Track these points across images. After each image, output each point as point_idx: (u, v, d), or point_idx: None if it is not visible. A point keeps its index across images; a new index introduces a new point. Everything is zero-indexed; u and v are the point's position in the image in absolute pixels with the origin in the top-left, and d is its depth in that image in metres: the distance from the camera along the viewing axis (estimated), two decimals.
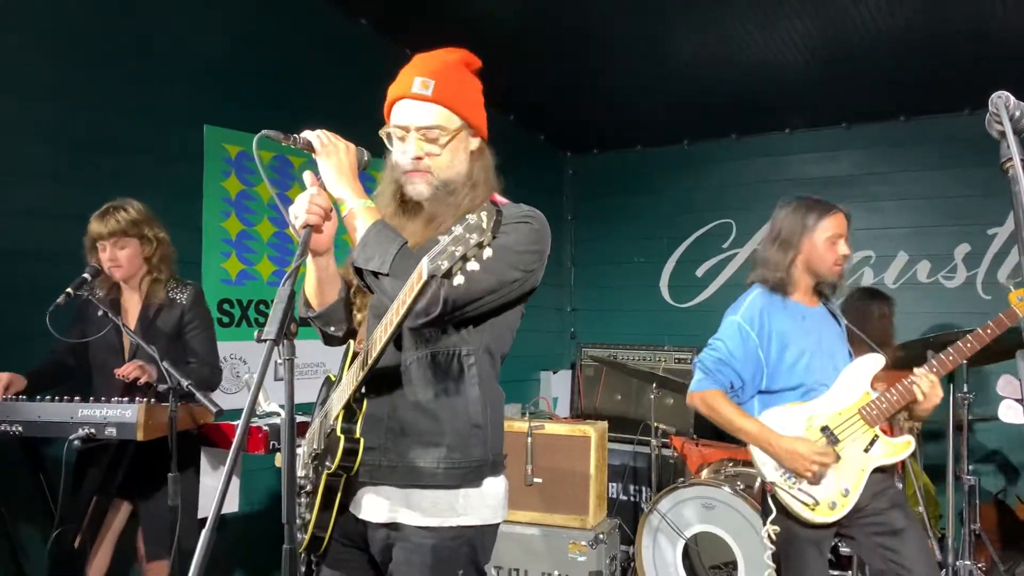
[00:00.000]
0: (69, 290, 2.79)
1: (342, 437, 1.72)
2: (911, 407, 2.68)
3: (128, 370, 2.84)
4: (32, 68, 3.34)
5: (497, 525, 1.84)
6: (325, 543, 1.83)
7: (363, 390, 1.75)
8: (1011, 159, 1.03)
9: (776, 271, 2.76)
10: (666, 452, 4.66)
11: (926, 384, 2.62)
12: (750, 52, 4.60)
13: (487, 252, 1.34)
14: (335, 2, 4.55)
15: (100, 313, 2.87)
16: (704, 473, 4.28)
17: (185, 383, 2.65)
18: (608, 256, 6.43)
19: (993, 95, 1.08)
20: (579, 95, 5.56)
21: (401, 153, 1.80)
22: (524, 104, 5.87)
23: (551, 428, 4.19)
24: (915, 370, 2.67)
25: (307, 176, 1.75)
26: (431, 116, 1.76)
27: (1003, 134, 1.06)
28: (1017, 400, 3.46)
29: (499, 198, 1.87)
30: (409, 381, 1.76)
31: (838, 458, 2.61)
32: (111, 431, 2.68)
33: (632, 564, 4.17)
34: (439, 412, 1.74)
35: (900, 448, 2.67)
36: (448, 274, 1.34)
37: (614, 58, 4.92)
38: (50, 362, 3.09)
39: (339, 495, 1.79)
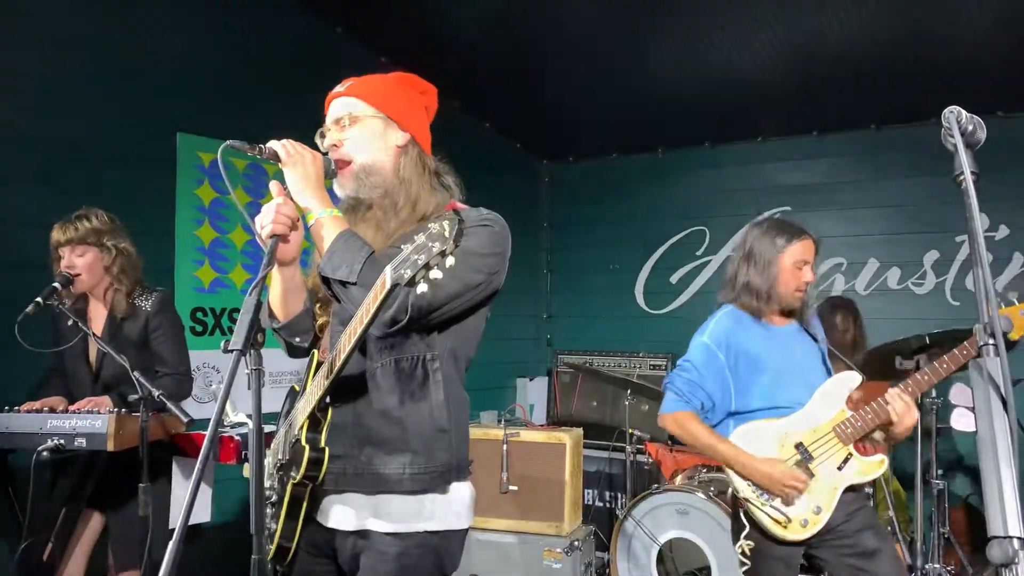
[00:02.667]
0: (39, 299, 2.76)
1: (307, 447, 1.72)
2: (887, 429, 2.65)
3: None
4: (1, 73, 3.31)
5: (464, 532, 1.84)
6: (292, 553, 1.82)
7: (328, 399, 1.75)
8: (963, 173, 1.06)
9: (757, 299, 2.73)
10: (641, 458, 4.68)
11: (900, 406, 2.58)
12: (723, 62, 4.65)
13: (450, 260, 1.36)
14: (310, 10, 4.55)
15: (70, 323, 2.85)
16: (678, 479, 4.30)
17: (156, 393, 2.63)
18: (584, 263, 6.45)
19: (945, 110, 1.11)
20: (555, 103, 5.59)
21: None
22: (500, 112, 5.89)
23: (526, 435, 4.21)
24: (889, 391, 2.63)
25: (273, 186, 1.75)
26: (342, 107, 1.86)
27: (956, 147, 1.09)
28: (969, 408, 3.53)
29: (458, 203, 1.89)
30: (374, 388, 1.76)
31: (812, 476, 2.61)
32: (81, 442, 2.66)
33: (607, 570, 4.18)
34: (404, 418, 1.74)
35: (873, 467, 2.66)
36: (411, 282, 1.36)
37: (590, 67, 4.95)
38: (58, 377, 3.09)
39: (304, 504, 1.78)
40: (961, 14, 3.90)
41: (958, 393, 3.70)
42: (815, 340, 2.86)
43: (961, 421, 3.62)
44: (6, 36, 3.33)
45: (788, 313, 2.81)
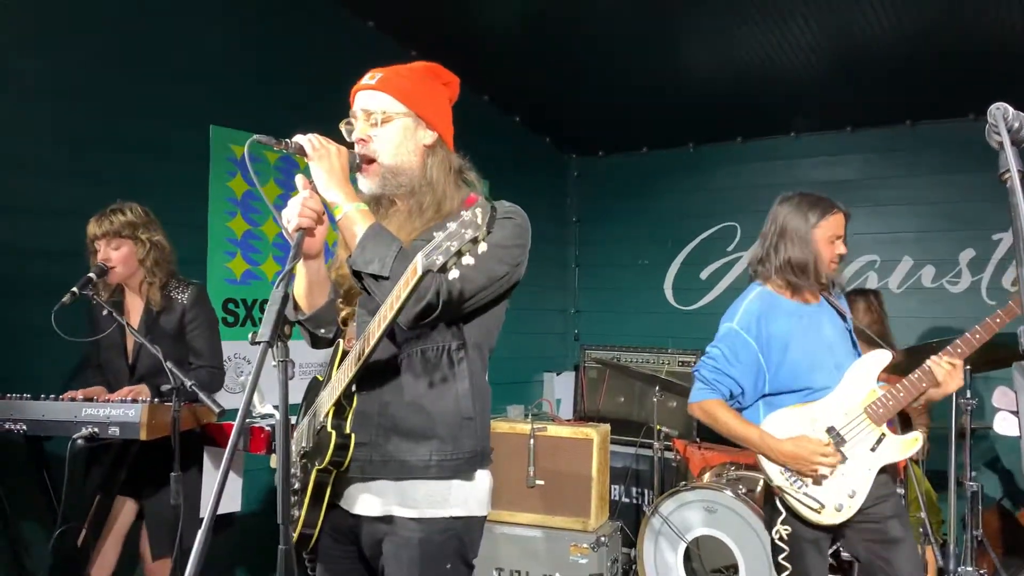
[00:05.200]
0: (75, 289, 2.79)
1: (333, 433, 1.74)
2: (928, 392, 2.62)
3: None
4: (39, 66, 3.35)
5: (484, 518, 1.87)
6: (314, 540, 1.85)
7: (354, 387, 1.77)
8: (1009, 170, 1.04)
9: (801, 274, 2.69)
10: (668, 455, 4.66)
11: (941, 371, 2.57)
12: (756, 56, 4.59)
13: (482, 247, 1.37)
14: (342, 3, 4.57)
15: (105, 313, 2.90)
16: (706, 476, 4.28)
17: (189, 383, 2.66)
18: (612, 258, 6.43)
19: (991, 106, 1.08)
20: (585, 97, 5.56)
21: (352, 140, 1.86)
22: (529, 106, 5.87)
23: (553, 430, 4.20)
24: (931, 358, 2.61)
25: (299, 180, 1.77)
26: (373, 101, 1.84)
27: (1002, 145, 1.06)
28: (1012, 412, 3.45)
29: (478, 197, 1.89)
30: (400, 377, 1.78)
31: (844, 458, 2.59)
32: (114, 431, 2.69)
33: (633, 567, 4.17)
34: (430, 407, 1.77)
35: (908, 445, 2.62)
36: (443, 268, 1.37)
37: (620, 61, 4.92)
38: (94, 370, 3.14)
39: (328, 491, 1.81)
40: (999, 5, 3.82)
41: (1000, 396, 3.61)
42: (843, 318, 2.84)
43: (1004, 425, 3.54)
44: (43, 32, 3.37)
45: (818, 289, 2.80)
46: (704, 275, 5.98)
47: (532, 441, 4.15)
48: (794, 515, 2.63)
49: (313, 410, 1.89)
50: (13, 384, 2.87)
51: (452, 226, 1.37)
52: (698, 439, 4.83)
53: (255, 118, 3.93)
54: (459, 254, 1.36)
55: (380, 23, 4.73)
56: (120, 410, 2.70)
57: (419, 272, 1.41)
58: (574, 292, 6.68)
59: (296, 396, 1.95)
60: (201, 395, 2.68)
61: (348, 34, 4.62)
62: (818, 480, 2.58)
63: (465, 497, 1.79)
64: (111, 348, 3.08)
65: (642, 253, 6.25)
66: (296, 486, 1.82)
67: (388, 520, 1.78)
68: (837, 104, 5.22)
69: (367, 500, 1.81)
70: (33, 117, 3.34)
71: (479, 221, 1.35)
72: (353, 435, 1.76)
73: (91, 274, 2.88)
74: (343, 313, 1.94)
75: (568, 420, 5.32)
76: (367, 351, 1.66)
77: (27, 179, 3.31)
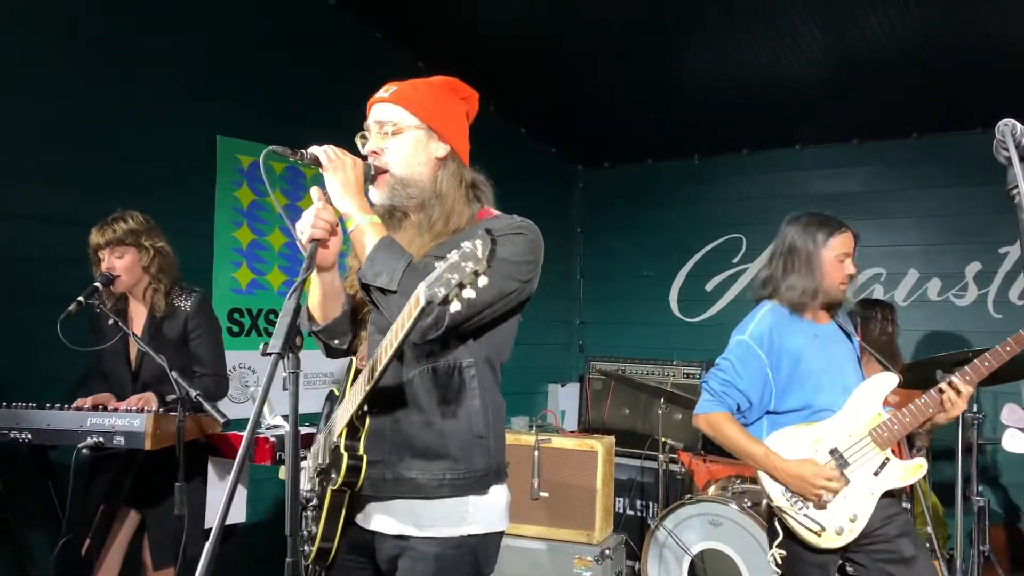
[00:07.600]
0: (80, 298, 2.80)
1: (346, 455, 1.73)
2: (934, 416, 2.60)
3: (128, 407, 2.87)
4: (45, 74, 3.37)
5: (501, 533, 1.85)
6: (332, 554, 1.84)
7: (366, 407, 1.76)
8: (1017, 186, 1.04)
9: (803, 295, 2.69)
10: (673, 468, 4.64)
11: (954, 395, 2.54)
12: (762, 67, 4.60)
13: (483, 280, 1.36)
14: (349, 14, 4.59)
15: (111, 322, 2.89)
16: (711, 490, 4.26)
17: (193, 393, 2.66)
18: (617, 270, 6.43)
19: (1000, 123, 1.08)
20: (591, 109, 5.57)
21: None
22: (535, 117, 5.89)
23: (558, 442, 4.19)
24: (948, 376, 2.59)
25: (314, 191, 1.77)
26: (386, 114, 1.85)
27: (1010, 160, 1.06)
28: (1021, 429, 3.42)
29: (491, 210, 1.90)
30: (412, 395, 1.77)
31: (847, 482, 2.56)
32: (119, 440, 2.69)
33: None
34: (442, 425, 1.76)
35: (912, 471, 2.60)
36: (445, 300, 1.36)
37: (626, 72, 4.93)
38: (97, 379, 3.13)
39: (344, 509, 1.80)
40: (1006, 19, 3.82)
41: (1009, 413, 3.58)
42: (850, 339, 2.83)
43: (1013, 442, 3.50)
44: (49, 38, 3.39)
45: (828, 309, 2.78)
46: (709, 287, 5.97)
47: (536, 453, 4.14)
48: (793, 538, 2.59)
49: (329, 427, 1.89)
50: (18, 393, 2.87)
51: (453, 256, 1.37)
52: (703, 452, 4.81)
53: (262, 128, 3.95)
54: (460, 286, 1.36)
55: (387, 34, 4.75)
56: (125, 420, 2.70)
57: (421, 303, 1.40)
58: (579, 303, 6.68)
59: (305, 407, 1.94)
60: (206, 405, 2.68)
61: (356, 45, 4.64)
62: (820, 503, 2.56)
63: (481, 514, 1.78)
64: (114, 357, 3.07)
65: (647, 264, 6.25)
66: (314, 501, 1.82)
67: (404, 538, 1.78)
68: (843, 116, 5.22)
69: (382, 518, 1.80)
70: (38, 126, 3.35)
71: (479, 254, 1.35)
72: (365, 456, 1.75)
73: (97, 283, 2.89)
74: (360, 321, 1.94)
75: (573, 432, 5.31)
76: (377, 374, 1.65)
77: (32, 188, 3.32)
